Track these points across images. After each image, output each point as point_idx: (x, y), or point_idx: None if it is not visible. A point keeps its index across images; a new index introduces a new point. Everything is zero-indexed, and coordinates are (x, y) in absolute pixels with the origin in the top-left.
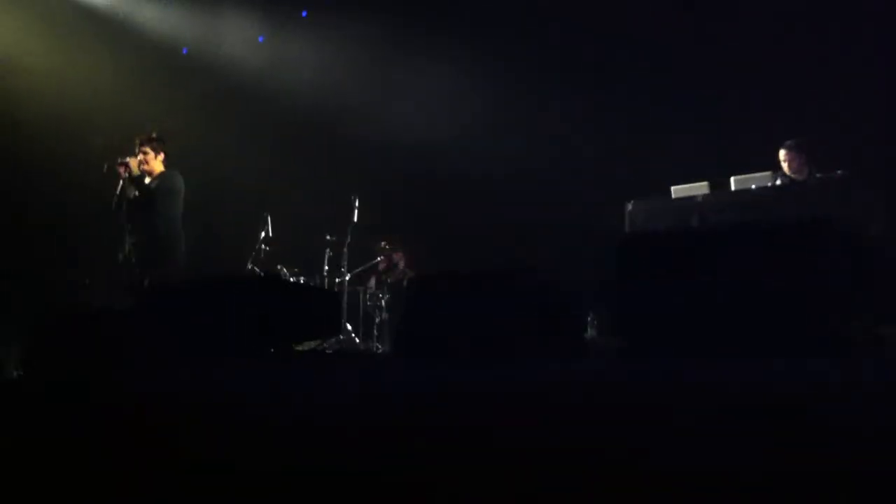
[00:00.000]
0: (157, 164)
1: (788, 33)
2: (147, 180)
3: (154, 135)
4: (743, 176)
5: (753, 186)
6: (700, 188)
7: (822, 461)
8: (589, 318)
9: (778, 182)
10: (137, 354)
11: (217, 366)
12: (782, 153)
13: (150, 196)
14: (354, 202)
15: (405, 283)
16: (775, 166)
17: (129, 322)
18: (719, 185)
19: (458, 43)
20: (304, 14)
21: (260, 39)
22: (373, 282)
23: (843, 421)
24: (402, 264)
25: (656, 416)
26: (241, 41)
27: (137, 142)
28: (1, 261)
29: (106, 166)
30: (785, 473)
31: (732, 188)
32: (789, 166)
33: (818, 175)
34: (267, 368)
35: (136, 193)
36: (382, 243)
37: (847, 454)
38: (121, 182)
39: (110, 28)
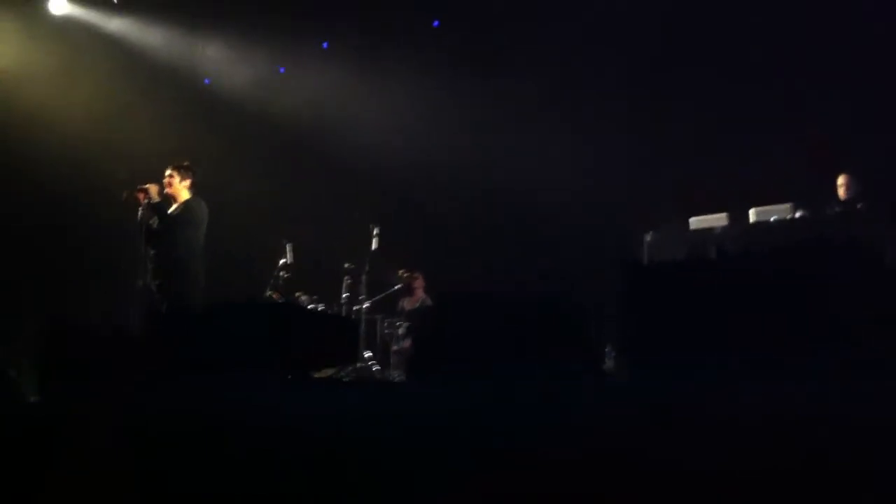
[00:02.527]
0: (182, 190)
1: (810, 64)
2: (173, 207)
3: (185, 163)
4: (762, 208)
5: (773, 219)
6: (719, 220)
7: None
8: (607, 350)
9: (798, 214)
10: (153, 378)
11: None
12: (842, 178)
13: (170, 223)
14: (373, 231)
15: (422, 309)
16: (830, 192)
17: (145, 346)
18: (738, 216)
19: (475, 68)
20: (324, 46)
21: (281, 70)
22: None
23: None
24: (419, 292)
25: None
26: (263, 72)
27: (168, 168)
28: (22, 286)
29: (125, 193)
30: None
31: (751, 220)
32: (847, 191)
33: (837, 209)
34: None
35: (157, 220)
36: (401, 272)
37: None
38: (140, 209)
39: (133, 60)
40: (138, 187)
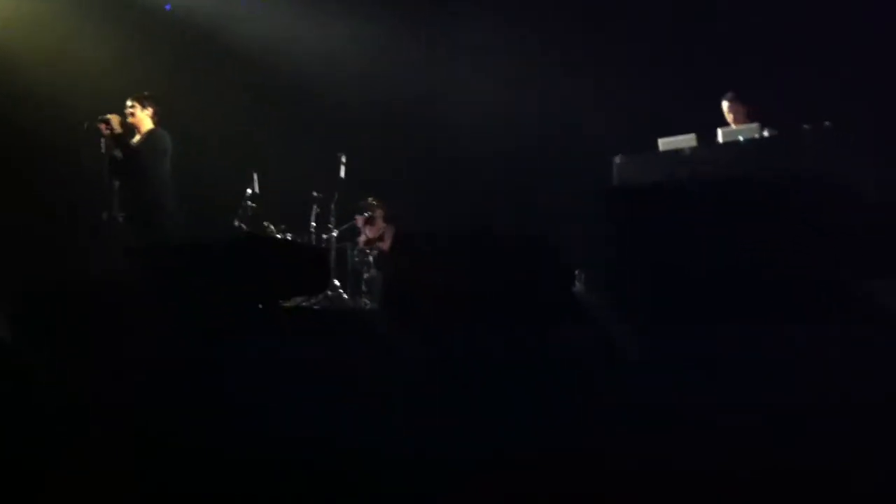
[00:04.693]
0: (145, 120)
1: None
2: (136, 138)
3: (146, 93)
4: (730, 128)
5: (741, 139)
6: (688, 140)
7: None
8: (576, 273)
9: (766, 133)
10: (130, 320)
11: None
12: (725, 105)
13: (136, 155)
14: (341, 159)
15: (387, 239)
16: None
17: (119, 285)
18: (706, 137)
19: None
20: None
21: None
22: (362, 238)
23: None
24: (380, 221)
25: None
26: None
27: (129, 99)
28: None
29: (86, 125)
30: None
31: (720, 140)
32: (735, 119)
33: (806, 126)
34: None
35: (120, 152)
36: (369, 199)
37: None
38: (103, 141)
39: None
40: (99, 118)
